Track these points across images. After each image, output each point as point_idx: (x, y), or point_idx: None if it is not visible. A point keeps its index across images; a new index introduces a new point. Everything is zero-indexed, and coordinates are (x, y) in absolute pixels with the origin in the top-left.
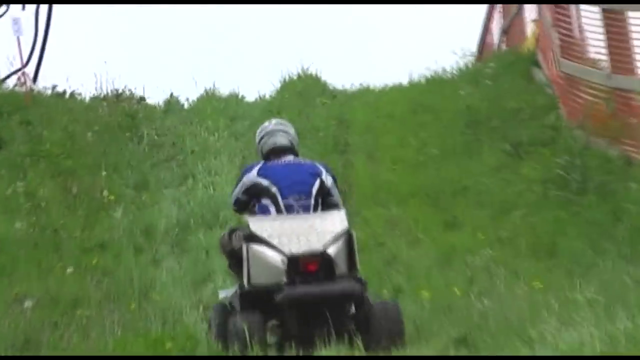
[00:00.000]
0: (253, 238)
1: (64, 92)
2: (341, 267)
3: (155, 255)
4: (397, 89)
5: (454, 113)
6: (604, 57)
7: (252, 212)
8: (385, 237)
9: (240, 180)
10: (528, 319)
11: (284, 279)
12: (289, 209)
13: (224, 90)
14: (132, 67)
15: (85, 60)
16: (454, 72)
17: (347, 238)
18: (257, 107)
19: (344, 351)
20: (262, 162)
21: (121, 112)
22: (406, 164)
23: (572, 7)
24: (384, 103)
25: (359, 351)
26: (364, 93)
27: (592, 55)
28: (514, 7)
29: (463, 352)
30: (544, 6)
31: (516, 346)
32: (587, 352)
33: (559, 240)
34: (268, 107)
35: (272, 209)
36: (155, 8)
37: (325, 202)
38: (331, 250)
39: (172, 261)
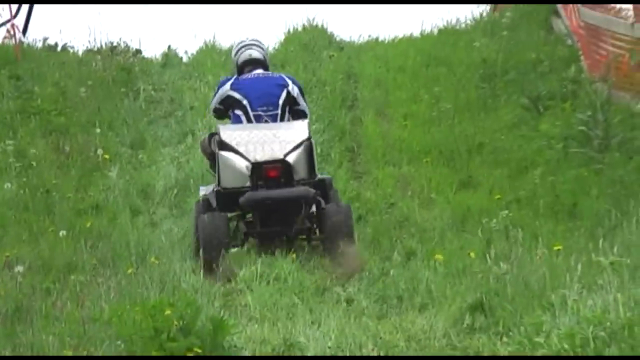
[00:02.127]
0: (224, 145)
1: (56, 45)
2: (301, 172)
3: (152, 217)
4: (408, 41)
5: (468, 66)
6: (628, 6)
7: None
8: (396, 197)
9: (216, 92)
10: (548, 283)
11: (248, 183)
12: (258, 119)
13: (225, 43)
14: (127, 18)
15: (78, 11)
16: (469, 22)
17: (307, 146)
18: None
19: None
20: (235, 76)
21: (116, 66)
22: (418, 120)
23: None
24: (394, 55)
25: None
26: (373, 45)
27: (616, 4)
28: None
29: (479, 319)
30: None
31: (536, 312)
32: (611, 319)
33: (581, 200)
34: (272, 60)
35: (244, 118)
36: None
37: (292, 110)
38: (291, 158)
39: (170, 223)
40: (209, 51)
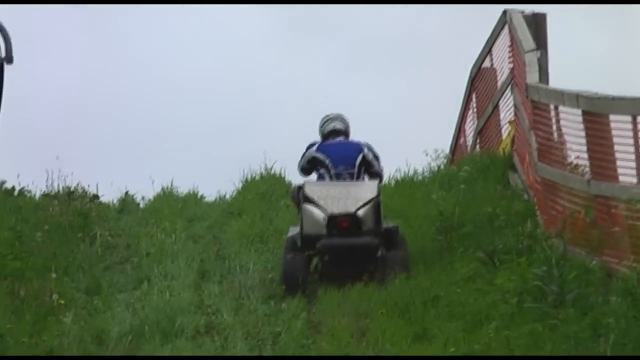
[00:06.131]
0: (307, 198)
1: (13, 189)
2: (369, 224)
3: None
4: None
5: (425, 218)
6: (584, 162)
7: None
8: (351, 348)
9: (304, 154)
10: None
11: (324, 232)
12: (338, 176)
13: (182, 189)
14: (86, 163)
15: (36, 155)
16: (426, 174)
17: (376, 203)
18: (217, 208)
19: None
20: (320, 141)
21: (73, 211)
22: None
23: (552, 108)
24: None
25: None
26: None
27: (572, 160)
28: (489, 107)
29: None
30: (522, 106)
31: None
32: None
33: (535, 355)
34: (228, 209)
35: (326, 176)
36: (108, 101)
37: (367, 171)
38: (360, 212)
39: None
40: (166, 197)
